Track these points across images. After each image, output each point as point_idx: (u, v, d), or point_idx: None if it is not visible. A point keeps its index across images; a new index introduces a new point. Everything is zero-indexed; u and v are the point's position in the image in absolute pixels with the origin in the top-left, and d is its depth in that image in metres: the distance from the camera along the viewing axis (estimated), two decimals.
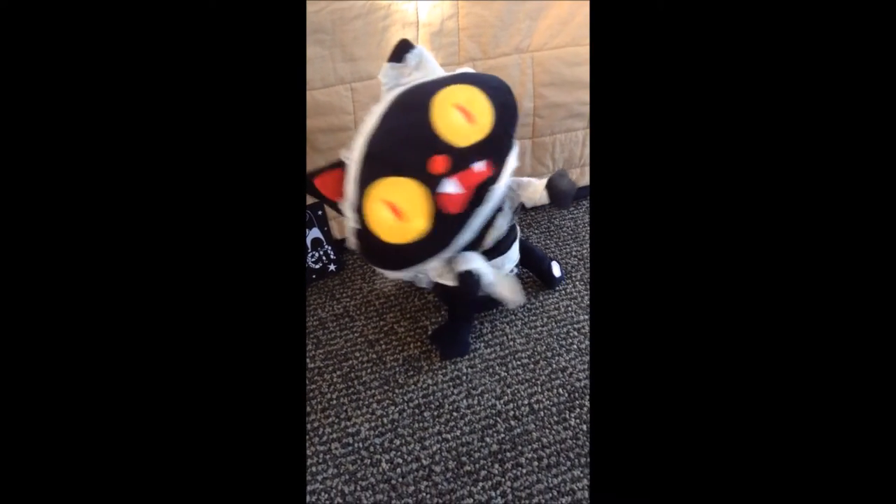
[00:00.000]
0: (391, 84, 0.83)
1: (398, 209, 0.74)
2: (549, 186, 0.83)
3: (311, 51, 0.96)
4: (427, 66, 0.83)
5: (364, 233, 0.77)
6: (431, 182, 0.74)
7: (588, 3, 1.08)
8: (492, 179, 0.77)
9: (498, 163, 0.77)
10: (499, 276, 0.91)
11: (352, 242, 0.81)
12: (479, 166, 0.76)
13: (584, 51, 1.13)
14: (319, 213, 1.14)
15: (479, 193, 0.76)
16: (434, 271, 0.88)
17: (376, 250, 0.79)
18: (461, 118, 0.76)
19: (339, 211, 0.82)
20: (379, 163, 0.76)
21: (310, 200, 1.12)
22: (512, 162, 0.80)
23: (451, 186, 0.75)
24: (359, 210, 0.77)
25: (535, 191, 0.86)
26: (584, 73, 1.15)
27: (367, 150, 0.76)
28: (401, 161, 0.75)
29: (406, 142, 0.76)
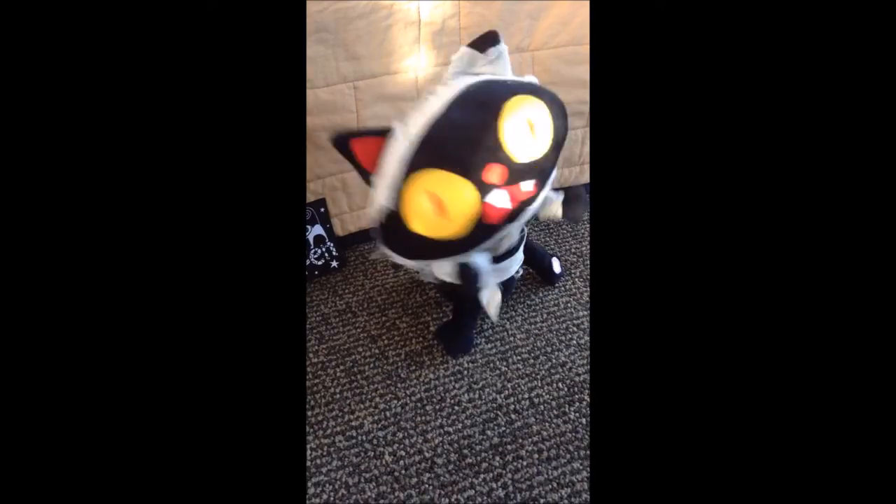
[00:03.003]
0: (460, 70, 0.78)
1: (442, 205, 0.72)
2: (566, 204, 0.85)
3: (315, 50, 0.97)
4: (502, 63, 0.79)
5: (394, 215, 0.74)
6: (484, 189, 0.72)
7: (588, 5, 1.10)
8: (530, 200, 0.77)
9: (542, 184, 0.77)
10: (492, 287, 0.91)
11: (374, 218, 0.77)
12: (528, 185, 0.75)
13: (584, 50, 1.15)
14: (322, 210, 1.15)
15: (516, 211, 0.76)
16: (442, 269, 0.89)
17: (399, 236, 0.76)
18: (527, 132, 0.75)
19: (367, 180, 0.77)
20: (437, 152, 0.72)
21: (312, 199, 1.13)
22: (549, 185, 0.80)
23: (500, 199, 0.73)
24: (398, 192, 0.73)
25: (552, 209, 0.87)
26: (583, 72, 1.17)
27: (427, 133, 0.71)
28: (461, 158, 0.72)
29: (471, 141, 0.72)
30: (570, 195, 0.84)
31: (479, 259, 0.85)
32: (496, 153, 0.72)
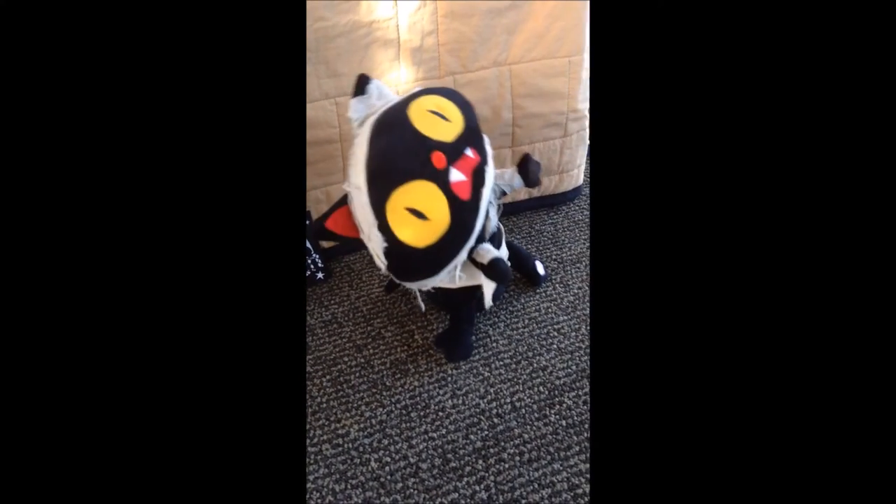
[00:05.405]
0: (361, 116, 0.85)
1: (421, 211, 0.78)
2: (520, 167, 0.94)
3: None
4: (385, 94, 0.87)
5: (395, 247, 0.80)
6: (439, 177, 0.80)
7: (562, 19, 1.13)
8: (482, 163, 0.85)
9: (481, 149, 0.86)
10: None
11: (381, 264, 0.83)
12: (469, 153, 0.84)
13: (560, 63, 1.18)
14: (307, 223, 1.17)
15: (477, 177, 0.84)
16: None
17: (411, 261, 0.81)
18: (438, 120, 0.83)
19: (361, 244, 0.85)
20: (386, 177, 0.78)
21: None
22: (489, 148, 0.88)
23: (455, 175, 0.81)
24: (383, 228, 0.79)
25: (511, 176, 0.96)
26: (559, 84, 1.20)
27: (368, 172, 0.78)
28: (405, 168, 0.79)
29: (403, 151, 0.80)
30: (523, 162, 0.94)
31: (494, 251, 0.92)
32: (428, 144, 0.80)
